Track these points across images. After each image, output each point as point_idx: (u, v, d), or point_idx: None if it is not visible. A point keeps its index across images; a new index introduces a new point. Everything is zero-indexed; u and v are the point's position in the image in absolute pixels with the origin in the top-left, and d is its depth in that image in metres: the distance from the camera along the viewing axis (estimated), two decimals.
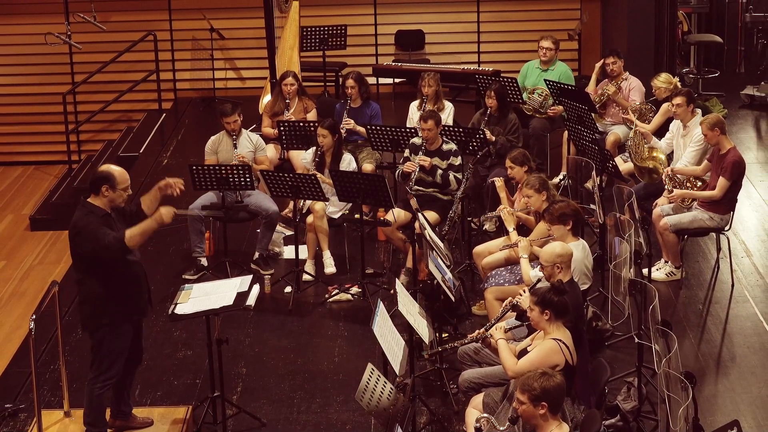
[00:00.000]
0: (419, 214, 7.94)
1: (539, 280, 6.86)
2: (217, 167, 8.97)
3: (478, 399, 6.43)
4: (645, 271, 8.02)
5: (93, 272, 6.52)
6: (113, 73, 13.87)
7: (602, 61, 10.77)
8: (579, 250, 7.16)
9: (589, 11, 13.93)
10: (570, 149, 10.19)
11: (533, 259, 7.53)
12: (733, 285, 8.81)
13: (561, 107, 10.38)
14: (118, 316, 6.57)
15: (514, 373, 6.09)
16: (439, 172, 8.94)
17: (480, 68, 12.22)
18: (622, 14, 12.85)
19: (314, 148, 9.41)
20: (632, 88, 10.54)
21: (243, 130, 9.49)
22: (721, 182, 8.56)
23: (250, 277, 7.04)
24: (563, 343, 6.12)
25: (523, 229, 8.15)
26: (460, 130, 9.61)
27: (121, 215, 6.65)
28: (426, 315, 7.09)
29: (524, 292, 6.70)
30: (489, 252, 8.24)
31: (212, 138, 9.53)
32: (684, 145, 9.21)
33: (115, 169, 6.58)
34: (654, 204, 8.98)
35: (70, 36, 13.69)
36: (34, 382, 6.72)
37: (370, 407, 5.79)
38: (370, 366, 5.88)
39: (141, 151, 12.72)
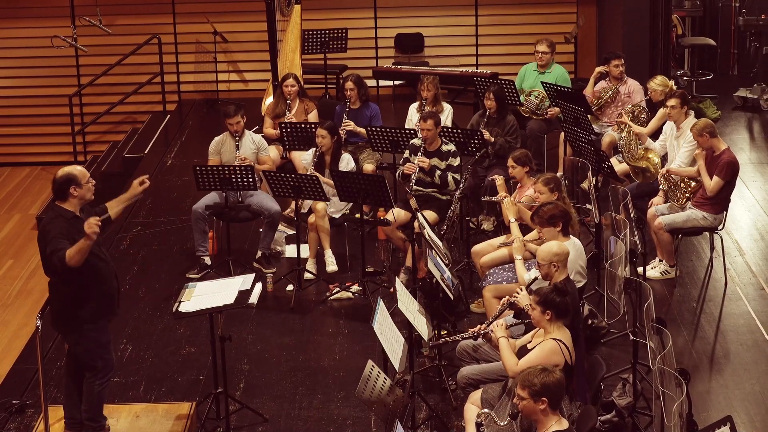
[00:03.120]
0: (418, 214, 7.97)
1: (535, 279, 6.91)
2: (220, 168, 9.02)
3: (476, 395, 6.45)
4: (640, 269, 7.99)
5: (59, 275, 6.41)
6: (118, 75, 13.94)
7: (605, 66, 10.80)
8: (571, 249, 7.15)
9: (585, 15, 13.95)
10: (566, 150, 10.21)
11: (528, 258, 7.61)
12: (726, 283, 8.86)
13: (557, 109, 10.43)
14: (87, 319, 6.48)
15: (515, 373, 6.09)
16: (438, 172, 8.98)
17: (478, 71, 12.27)
18: (618, 18, 12.85)
19: (313, 149, 9.48)
20: (632, 91, 10.63)
21: (246, 131, 9.53)
22: (716, 180, 8.62)
23: (253, 275, 7.09)
24: (563, 343, 6.16)
25: (521, 229, 8.20)
26: (459, 132, 9.67)
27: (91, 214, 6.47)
28: (425, 313, 7.11)
29: (521, 290, 6.75)
30: (485, 252, 8.29)
31: (215, 139, 9.57)
32: (677, 146, 9.24)
33: (74, 168, 6.47)
34: (649, 204, 9.07)
35: (76, 39, 13.74)
36: (41, 379, 6.77)
37: (370, 403, 5.85)
38: (370, 363, 5.95)
39: (146, 152, 12.78)
